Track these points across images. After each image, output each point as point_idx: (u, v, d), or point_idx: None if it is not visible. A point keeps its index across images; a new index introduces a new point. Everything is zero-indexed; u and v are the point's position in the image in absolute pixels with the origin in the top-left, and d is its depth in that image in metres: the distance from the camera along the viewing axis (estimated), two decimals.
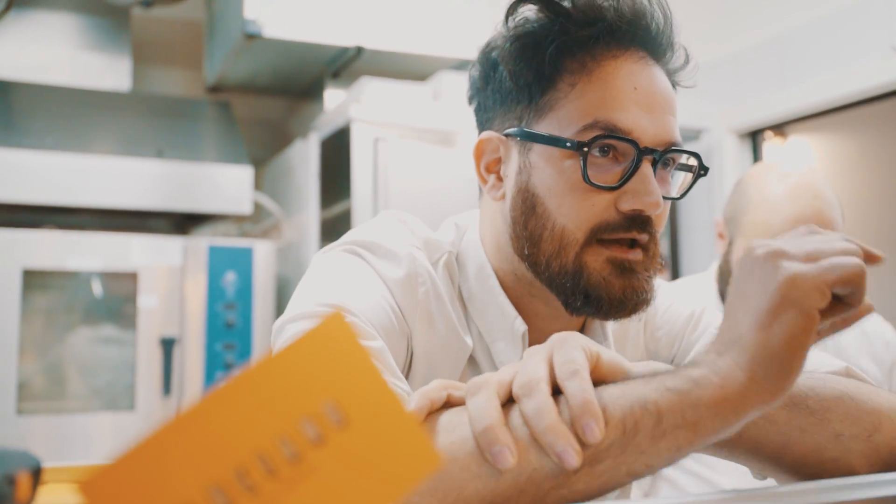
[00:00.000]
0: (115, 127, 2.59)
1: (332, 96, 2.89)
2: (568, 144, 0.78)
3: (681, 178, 0.88)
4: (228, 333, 2.45)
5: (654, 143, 0.79)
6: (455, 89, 2.59)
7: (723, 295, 1.54)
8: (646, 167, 0.78)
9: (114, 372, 2.35)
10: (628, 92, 0.78)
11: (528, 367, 0.57)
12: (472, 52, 2.90)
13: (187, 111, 2.80)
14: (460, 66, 2.86)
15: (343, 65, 2.82)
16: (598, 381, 0.58)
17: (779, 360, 0.55)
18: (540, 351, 0.59)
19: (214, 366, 2.42)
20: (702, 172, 0.85)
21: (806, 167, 1.51)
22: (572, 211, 0.78)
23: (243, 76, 2.98)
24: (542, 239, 0.81)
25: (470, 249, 0.89)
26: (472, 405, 0.55)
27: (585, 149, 0.77)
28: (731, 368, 0.55)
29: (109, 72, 2.77)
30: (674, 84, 0.85)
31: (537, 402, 0.54)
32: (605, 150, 0.78)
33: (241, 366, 2.24)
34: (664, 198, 0.80)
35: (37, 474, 0.36)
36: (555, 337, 0.60)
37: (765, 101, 3.08)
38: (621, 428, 0.54)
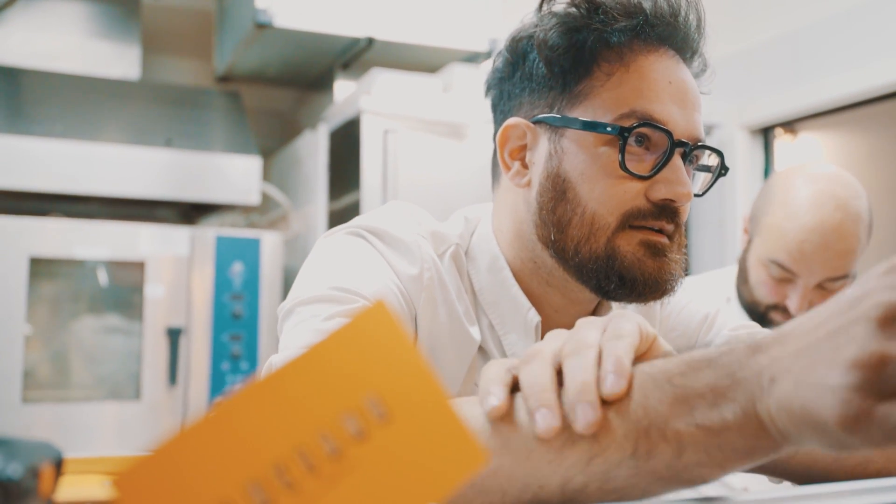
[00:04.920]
0: (124, 116, 2.57)
1: (342, 87, 2.87)
2: (609, 129, 0.79)
3: (700, 178, 0.89)
4: (235, 324, 2.44)
5: (685, 137, 0.80)
6: (466, 82, 2.57)
7: (739, 292, 1.52)
8: (677, 159, 0.80)
9: (120, 361, 2.34)
10: (664, 85, 0.80)
11: (580, 333, 0.55)
12: (483, 45, 2.89)
13: (196, 101, 2.78)
14: (471, 58, 2.84)
15: (353, 56, 2.80)
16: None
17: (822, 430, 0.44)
18: (595, 322, 0.57)
19: (221, 356, 2.41)
20: (723, 172, 0.86)
21: (837, 172, 1.44)
22: (604, 196, 0.79)
23: (253, 66, 2.96)
24: (570, 224, 0.81)
25: (482, 242, 0.88)
26: (525, 372, 0.53)
27: (626, 134, 0.78)
28: (775, 410, 0.46)
29: (119, 60, 2.76)
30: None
31: (581, 361, 0.52)
32: (640, 140, 0.80)
33: (247, 357, 2.22)
34: (697, 195, 0.83)
35: (59, 466, 0.35)
36: (614, 312, 0.59)
37: (777, 98, 3.06)
38: (631, 447, 0.50)
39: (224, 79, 3.08)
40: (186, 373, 2.38)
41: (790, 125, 3.28)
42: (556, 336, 0.57)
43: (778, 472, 0.65)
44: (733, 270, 1.62)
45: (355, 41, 2.70)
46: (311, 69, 2.98)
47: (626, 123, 0.79)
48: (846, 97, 2.82)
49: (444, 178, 2.48)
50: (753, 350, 0.50)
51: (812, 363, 0.45)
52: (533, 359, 0.54)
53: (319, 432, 0.29)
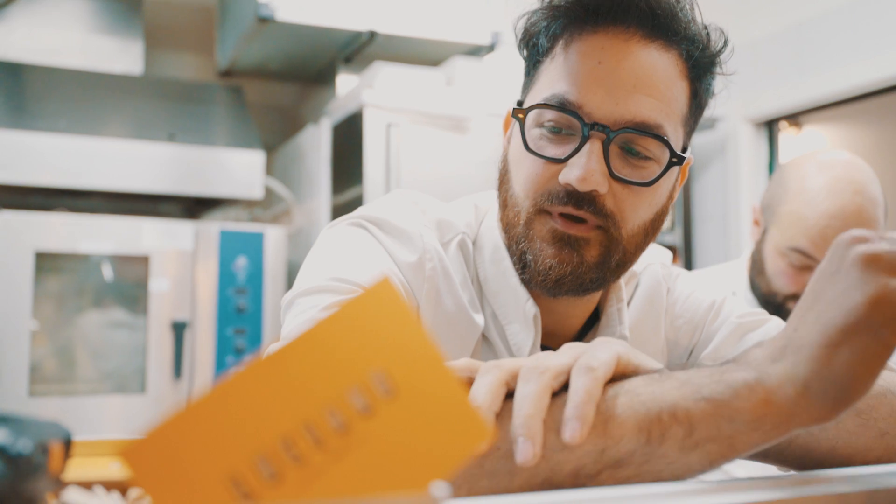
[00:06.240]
0: (127, 111, 2.58)
1: (345, 81, 2.87)
2: (511, 114, 0.81)
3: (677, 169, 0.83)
4: (239, 318, 2.44)
5: (609, 120, 0.76)
6: (468, 75, 2.57)
7: (753, 283, 1.52)
8: (591, 143, 0.76)
9: (125, 355, 2.35)
10: (590, 67, 0.77)
11: (549, 356, 0.55)
12: (485, 38, 2.87)
13: (199, 96, 2.78)
14: (473, 51, 2.84)
15: (356, 50, 2.80)
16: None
17: (840, 385, 0.49)
18: (575, 347, 0.57)
19: (225, 350, 2.42)
20: (673, 160, 0.79)
21: (850, 157, 1.44)
22: (522, 178, 0.80)
23: (255, 61, 2.96)
24: (506, 206, 0.83)
25: (488, 232, 0.88)
26: (519, 392, 0.52)
27: (521, 117, 0.80)
28: (781, 380, 0.50)
29: (121, 55, 2.76)
30: (698, 67, 0.81)
31: (530, 388, 0.51)
32: (554, 123, 0.79)
33: (251, 351, 2.23)
34: (629, 182, 0.77)
35: (68, 445, 0.35)
36: (598, 339, 0.58)
37: (782, 91, 3.06)
38: (645, 436, 0.51)
39: (226, 74, 3.09)
40: (191, 366, 2.39)
41: (794, 118, 3.28)
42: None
43: (772, 459, 0.65)
44: (738, 265, 1.61)
45: (357, 35, 2.70)
46: (313, 63, 2.98)
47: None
48: (850, 89, 2.82)
49: (446, 172, 2.48)
50: (755, 347, 0.55)
51: (825, 301, 0.51)
52: (530, 378, 0.53)
53: (326, 407, 0.29)
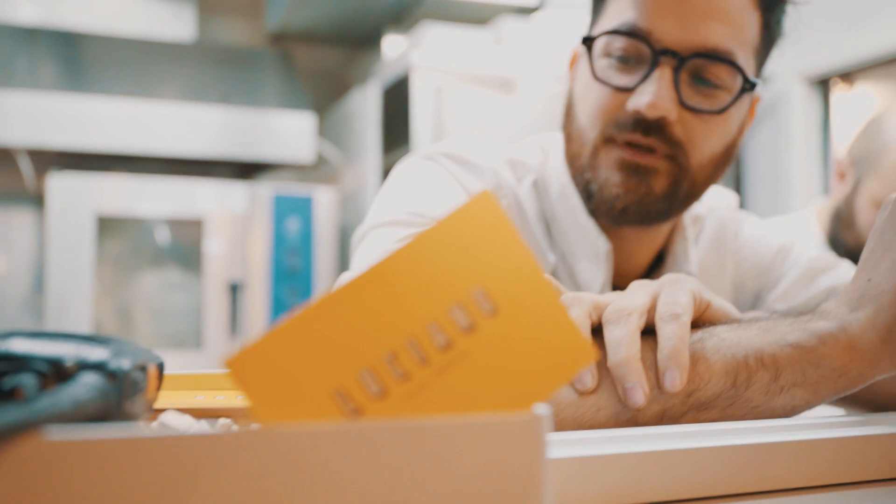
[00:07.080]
0: (180, 77, 2.60)
1: (392, 43, 2.86)
2: (580, 41, 0.79)
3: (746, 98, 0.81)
4: (292, 278, 2.47)
5: (680, 46, 0.74)
6: (517, 35, 2.54)
7: (833, 236, 1.49)
8: (661, 70, 0.74)
9: (182, 315, 2.39)
10: None
11: (627, 296, 0.54)
12: None
13: (250, 61, 2.80)
14: (522, 10, 2.80)
15: (403, 11, 2.78)
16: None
17: None
18: (647, 286, 0.56)
19: (279, 309, 2.45)
20: (745, 86, 0.77)
21: None
22: (587, 107, 0.79)
23: (304, 25, 2.96)
24: (570, 139, 0.82)
25: (554, 172, 0.87)
26: (611, 335, 0.52)
27: (589, 44, 0.78)
28: (863, 327, 0.51)
29: (174, 22, 2.78)
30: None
31: (622, 332, 0.51)
32: (623, 51, 0.77)
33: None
34: (699, 110, 0.75)
35: (161, 371, 0.36)
36: (667, 276, 0.57)
37: (837, 48, 2.97)
38: (732, 379, 0.51)
39: (276, 38, 3.09)
40: (247, 326, 2.43)
41: (848, 76, 3.18)
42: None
43: (838, 403, 0.64)
44: (802, 218, 1.58)
45: None
46: (360, 26, 2.97)
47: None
48: None
49: (495, 132, 2.46)
50: (827, 302, 0.55)
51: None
52: (619, 320, 0.52)
53: (430, 324, 0.28)
